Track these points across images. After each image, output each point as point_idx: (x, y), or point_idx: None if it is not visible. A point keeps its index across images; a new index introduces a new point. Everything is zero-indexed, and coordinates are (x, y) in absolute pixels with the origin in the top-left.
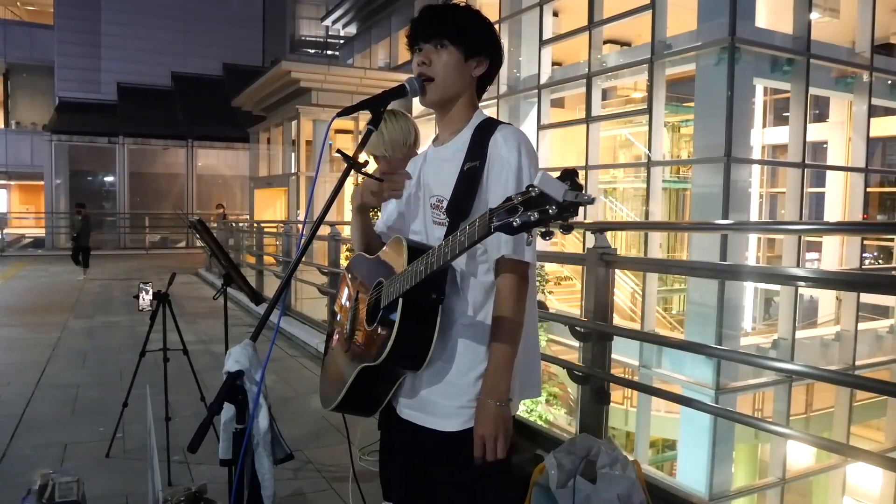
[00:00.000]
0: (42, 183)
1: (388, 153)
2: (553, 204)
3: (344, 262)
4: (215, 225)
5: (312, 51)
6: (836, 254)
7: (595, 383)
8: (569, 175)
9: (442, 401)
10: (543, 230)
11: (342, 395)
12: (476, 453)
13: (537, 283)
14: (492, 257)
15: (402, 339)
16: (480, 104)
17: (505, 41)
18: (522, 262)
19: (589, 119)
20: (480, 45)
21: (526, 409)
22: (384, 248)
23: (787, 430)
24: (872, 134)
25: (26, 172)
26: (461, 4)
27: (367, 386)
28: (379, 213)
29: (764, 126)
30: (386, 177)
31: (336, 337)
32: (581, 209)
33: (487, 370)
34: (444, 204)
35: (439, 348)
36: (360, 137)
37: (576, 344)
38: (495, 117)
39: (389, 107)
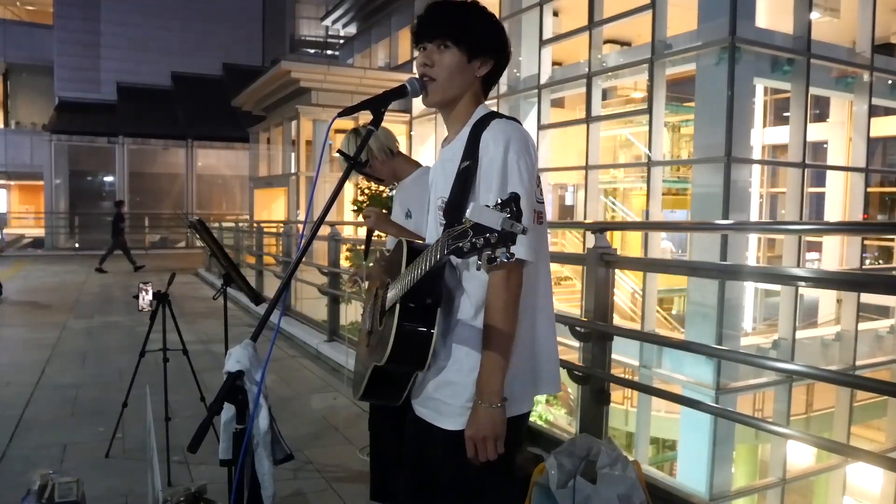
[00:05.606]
0: (42, 183)
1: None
2: (493, 232)
3: (344, 263)
4: None
5: (312, 51)
6: (836, 254)
7: (595, 383)
8: (509, 202)
9: (446, 399)
10: (490, 255)
11: (363, 390)
12: (468, 454)
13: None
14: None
15: (400, 342)
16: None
17: None
18: None
19: (589, 119)
20: (485, 46)
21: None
22: (393, 248)
23: (787, 431)
24: (873, 134)
25: (26, 172)
26: (467, 1)
27: (384, 381)
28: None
29: (764, 126)
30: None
31: (366, 324)
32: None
33: (479, 372)
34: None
35: (444, 347)
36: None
37: (576, 344)
38: (496, 110)
39: (360, 123)
